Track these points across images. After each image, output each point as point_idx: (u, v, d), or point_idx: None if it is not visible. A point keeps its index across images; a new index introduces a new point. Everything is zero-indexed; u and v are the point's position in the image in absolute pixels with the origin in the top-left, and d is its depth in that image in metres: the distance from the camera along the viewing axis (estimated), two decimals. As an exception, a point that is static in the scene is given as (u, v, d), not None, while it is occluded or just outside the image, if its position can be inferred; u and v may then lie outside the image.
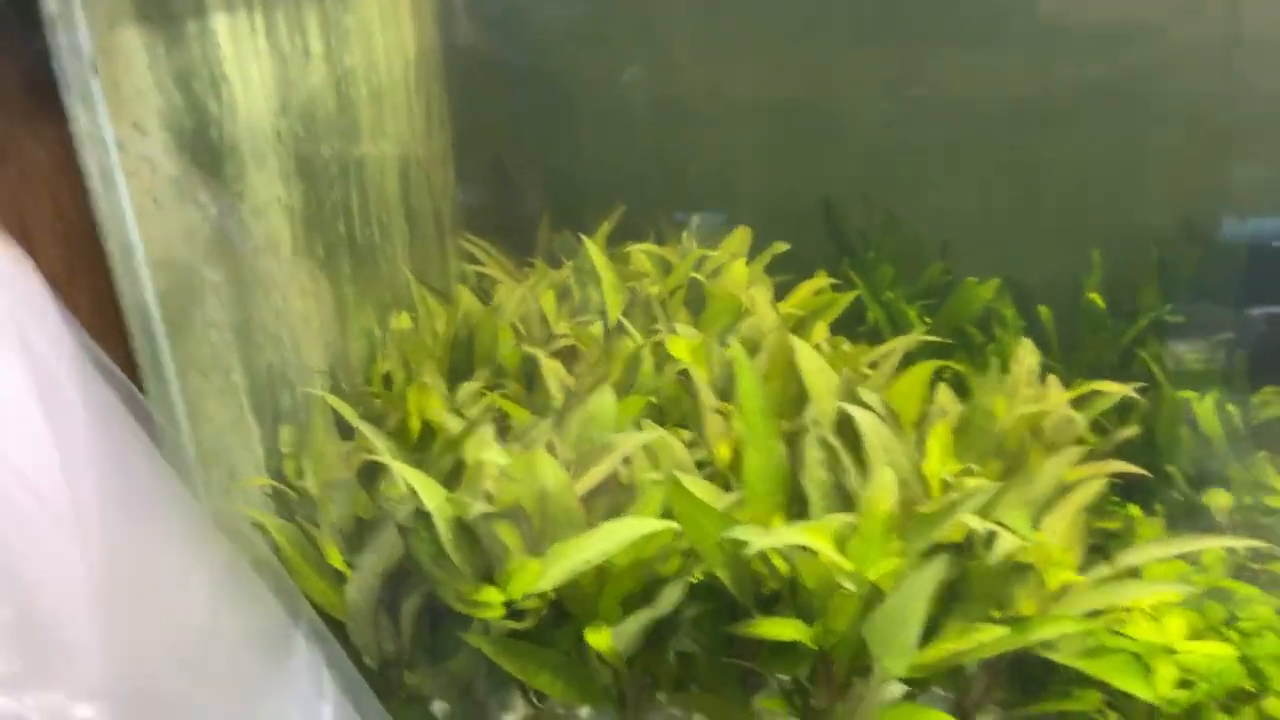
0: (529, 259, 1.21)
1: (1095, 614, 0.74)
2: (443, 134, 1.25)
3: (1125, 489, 0.99)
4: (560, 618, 0.78)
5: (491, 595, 0.72)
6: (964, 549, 0.71)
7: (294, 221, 0.84)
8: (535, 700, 0.84)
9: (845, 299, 1.11)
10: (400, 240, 1.03)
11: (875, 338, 1.13)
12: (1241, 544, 0.74)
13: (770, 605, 0.75)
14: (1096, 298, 1.15)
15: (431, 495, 0.69)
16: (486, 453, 0.71)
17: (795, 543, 0.67)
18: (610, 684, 0.80)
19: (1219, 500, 0.84)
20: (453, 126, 1.28)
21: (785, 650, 0.73)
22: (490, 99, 1.32)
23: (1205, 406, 1.01)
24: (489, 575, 0.73)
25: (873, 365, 0.94)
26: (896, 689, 0.80)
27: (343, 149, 0.94)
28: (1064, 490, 0.78)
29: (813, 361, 0.83)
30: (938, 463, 0.80)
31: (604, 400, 0.79)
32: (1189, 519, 0.91)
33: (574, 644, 0.77)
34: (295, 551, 0.73)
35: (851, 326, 1.14)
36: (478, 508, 0.69)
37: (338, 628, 0.75)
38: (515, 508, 0.71)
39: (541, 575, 0.72)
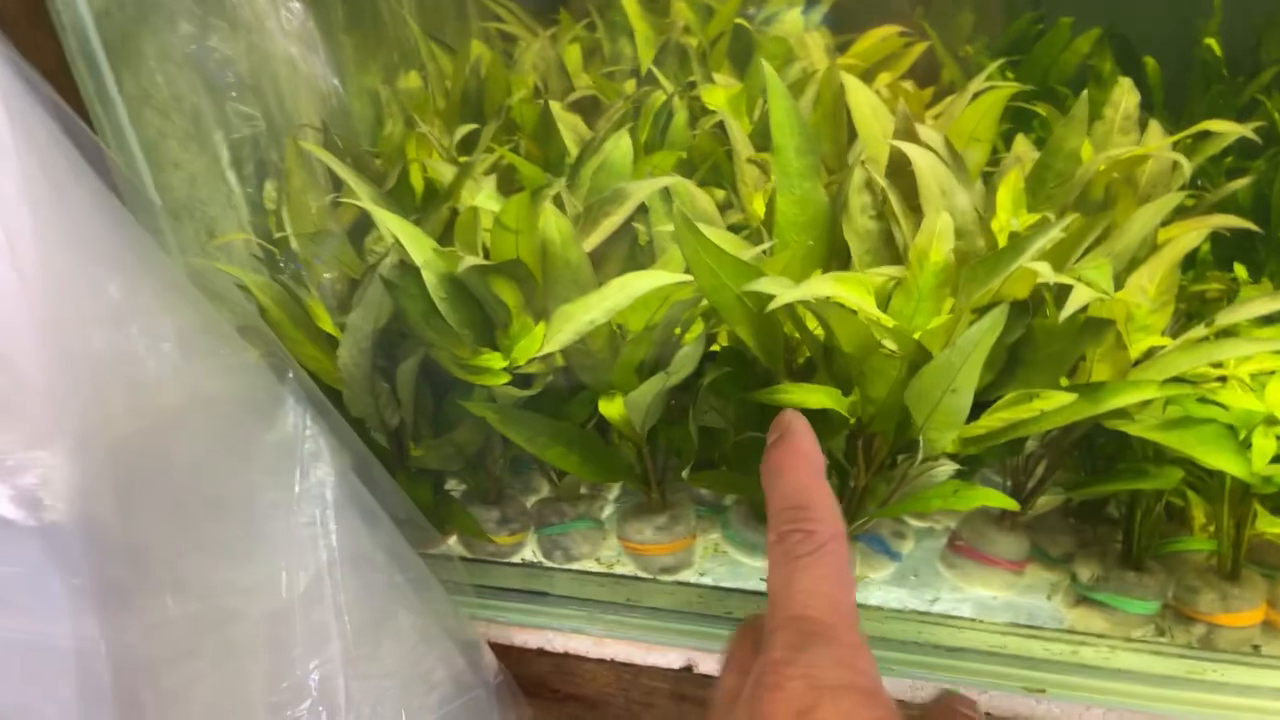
0: (557, 18, 1.08)
1: (1183, 381, 0.64)
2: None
3: (1234, 255, 0.86)
4: (575, 388, 0.72)
5: (493, 360, 0.66)
6: (1029, 307, 0.61)
7: (272, -46, 0.74)
8: (555, 478, 0.79)
9: (915, 50, 0.97)
10: (405, -11, 0.92)
11: (950, 98, 0.99)
12: None
13: (805, 375, 0.68)
14: (1214, 43, 0.97)
15: (418, 246, 0.62)
16: (479, 199, 0.63)
17: (827, 295, 0.58)
18: (634, 461, 0.75)
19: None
20: None
21: (818, 423, 0.65)
22: None
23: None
24: (490, 338, 0.67)
25: (937, 117, 0.81)
26: (945, 468, 0.73)
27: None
28: (1156, 246, 0.67)
29: (865, 98, 0.71)
30: (1007, 214, 0.69)
31: (620, 147, 0.69)
32: (1305, 288, 0.79)
33: (589, 416, 0.71)
34: (283, 313, 0.67)
35: (924, 86, 1.00)
36: (469, 260, 0.61)
37: (336, 397, 0.70)
38: (514, 262, 0.64)
39: (546, 338, 0.65)
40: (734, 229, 0.72)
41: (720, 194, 0.77)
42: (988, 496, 0.62)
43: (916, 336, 0.59)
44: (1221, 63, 0.99)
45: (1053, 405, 0.59)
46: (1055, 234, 0.56)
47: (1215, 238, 0.85)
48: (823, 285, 0.58)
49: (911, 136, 0.67)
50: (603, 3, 1.05)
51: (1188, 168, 0.72)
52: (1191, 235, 0.66)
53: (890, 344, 0.59)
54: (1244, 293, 0.64)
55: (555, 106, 0.78)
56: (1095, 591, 0.71)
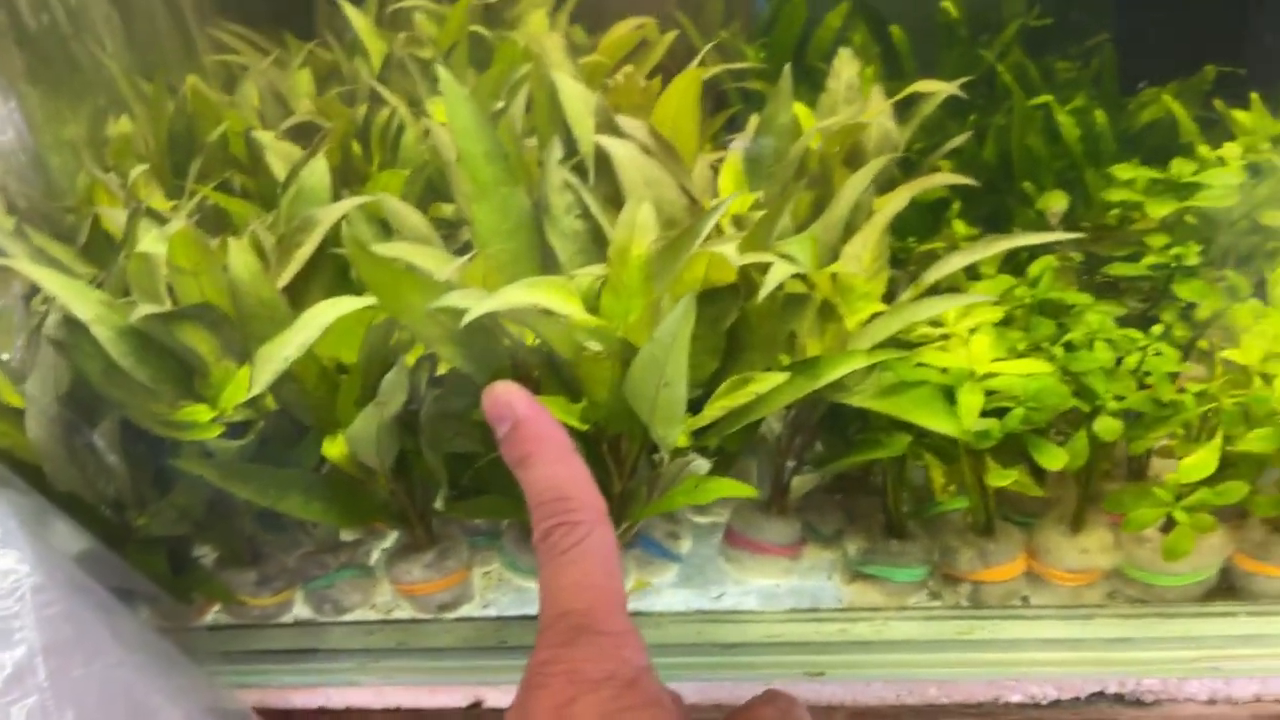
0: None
1: (905, 345, 0.64)
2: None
3: (985, 217, 0.88)
4: (304, 430, 0.67)
5: (197, 412, 0.61)
6: (739, 290, 0.60)
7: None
8: (311, 528, 0.74)
9: (665, 41, 0.96)
10: (110, 31, 0.86)
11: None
12: (1052, 238, 0.63)
13: (539, 386, 0.65)
14: (949, 5, 0.99)
15: (82, 301, 0.57)
16: (144, 243, 0.58)
17: (521, 303, 0.55)
18: (389, 499, 0.71)
19: (1053, 203, 0.72)
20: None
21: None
22: None
23: (1065, 116, 0.88)
24: (192, 389, 0.62)
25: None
26: (703, 462, 0.71)
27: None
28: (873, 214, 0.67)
29: (576, 95, 0.69)
30: (738, 198, 0.68)
31: (315, 172, 0.65)
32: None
33: (321, 458, 0.67)
34: (-43, 392, 0.61)
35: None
36: (142, 309, 0.57)
37: (39, 473, 0.64)
38: (202, 307, 0.59)
39: (251, 381, 0.60)
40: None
41: (449, 208, 0.74)
42: (725, 487, 0.61)
43: (619, 334, 0.57)
44: (960, 23, 1.01)
45: (767, 387, 0.58)
46: (729, 211, 0.55)
47: (968, 196, 0.87)
48: (518, 293, 0.55)
49: (612, 129, 0.65)
50: (342, 22, 1.01)
51: (898, 133, 0.72)
52: (899, 198, 0.66)
53: (595, 344, 0.57)
54: (961, 247, 0.64)
55: (265, 136, 0.74)
56: (865, 565, 0.70)
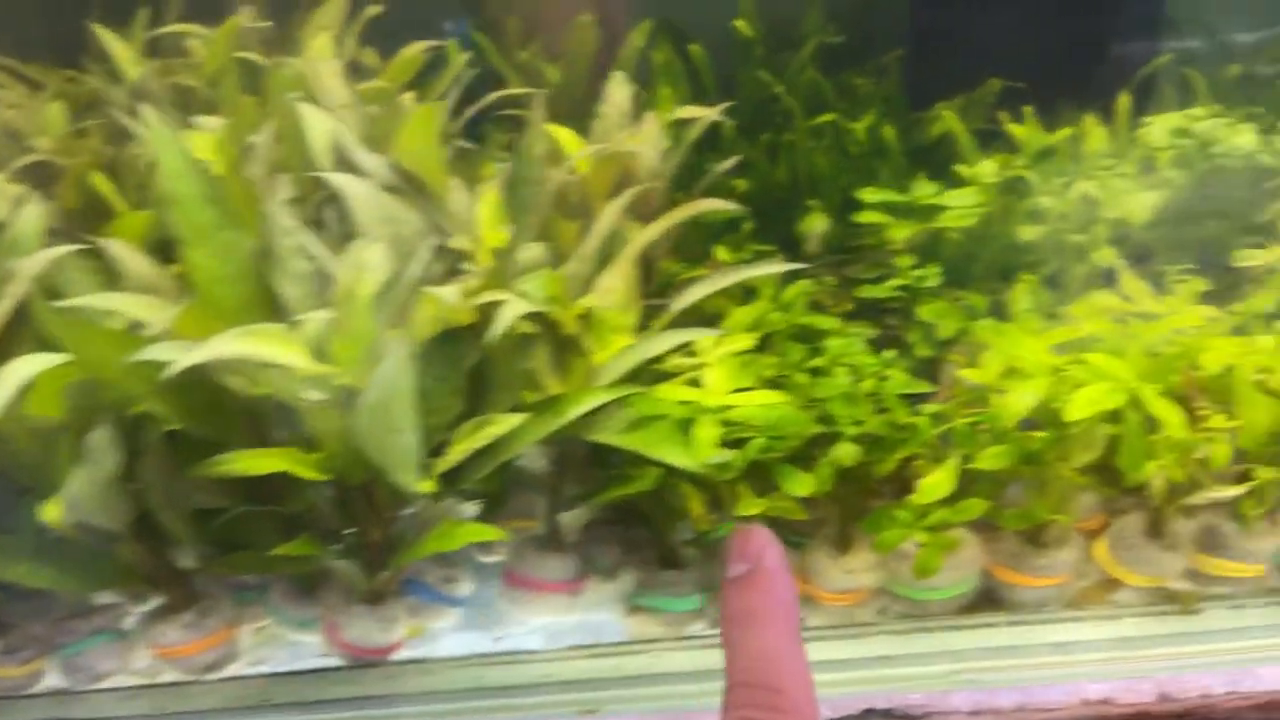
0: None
1: (662, 376, 0.63)
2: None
3: (783, 237, 0.89)
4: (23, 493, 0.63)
5: (-110, 485, 0.56)
6: (476, 330, 0.58)
7: None
8: (60, 594, 0.69)
9: (457, 64, 0.94)
10: None
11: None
12: (783, 267, 0.63)
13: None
14: (742, 25, 1.00)
15: None
16: None
17: (231, 353, 0.52)
18: (134, 560, 0.66)
19: (813, 225, 0.73)
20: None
21: (294, 486, 0.60)
22: None
23: (858, 128, 0.90)
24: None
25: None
26: (468, 506, 0.70)
27: None
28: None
29: (321, 128, 0.66)
30: (490, 230, 0.66)
31: (26, 218, 0.61)
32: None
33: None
34: None
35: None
36: None
37: None
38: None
39: (-51, 449, 0.56)
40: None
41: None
42: (473, 532, 0.59)
43: (340, 382, 0.54)
44: (755, 42, 1.02)
45: (505, 428, 0.56)
46: (489, 244, 0.53)
47: (765, 216, 0.87)
48: (227, 343, 0.52)
49: (349, 165, 0.62)
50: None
51: (654, 154, 0.72)
52: (654, 229, 0.65)
53: (315, 393, 0.54)
54: (700, 278, 0.63)
55: (-10, 177, 0.68)
56: (640, 598, 0.69)
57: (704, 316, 0.72)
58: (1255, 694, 0.65)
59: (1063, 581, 0.67)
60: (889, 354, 0.60)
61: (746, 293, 0.73)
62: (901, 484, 0.70)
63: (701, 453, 0.56)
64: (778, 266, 0.62)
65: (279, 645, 0.72)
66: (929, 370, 0.69)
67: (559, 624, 0.72)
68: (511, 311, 0.55)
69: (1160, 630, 0.66)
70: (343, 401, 0.55)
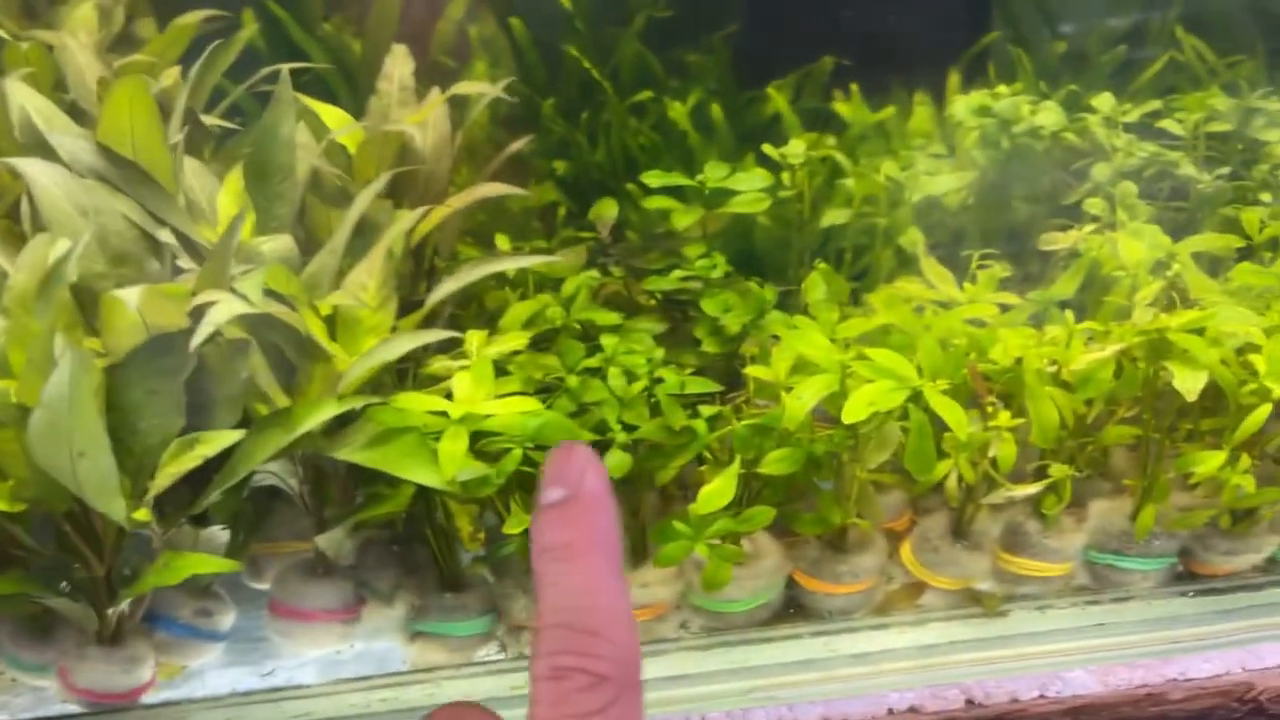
0: None
1: (428, 382, 0.57)
2: None
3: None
4: None
5: None
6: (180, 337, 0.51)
7: None
8: None
9: (239, 39, 0.85)
10: None
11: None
12: (536, 261, 0.58)
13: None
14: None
15: None
16: None
17: None
18: None
19: (602, 211, 0.67)
20: None
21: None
22: None
23: (678, 109, 0.85)
24: None
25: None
26: (215, 531, 0.62)
27: None
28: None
29: (27, 101, 0.57)
30: (229, 217, 0.58)
31: None
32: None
33: None
34: None
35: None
36: None
37: None
38: None
39: None
40: None
41: None
42: (196, 563, 0.52)
43: (12, 400, 0.46)
44: (577, 15, 0.96)
45: (215, 447, 0.49)
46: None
47: (582, 199, 0.81)
48: None
49: (42, 147, 0.54)
50: None
51: (437, 135, 0.65)
52: (412, 216, 0.58)
53: (-19, 415, 0.46)
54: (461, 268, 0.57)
55: None
56: (419, 623, 0.63)
57: (488, 314, 0.66)
58: (1063, 698, 0.63)
59: (867, 587, 0.63)
60: (658, 353, 0.55)
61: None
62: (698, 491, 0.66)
63: (448, 468, 0.50)
64: (535, 259, 0.56)
65: (16, 692, 0.64)
66: (730, 369, 0.64)
67: (338, 654, 0.65)
68: (219, 314, 0.48)
69: (966, 635, 0.63)
70: (20, 421, 0.47)
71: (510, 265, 0.56)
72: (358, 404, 0.51)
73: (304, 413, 0.51)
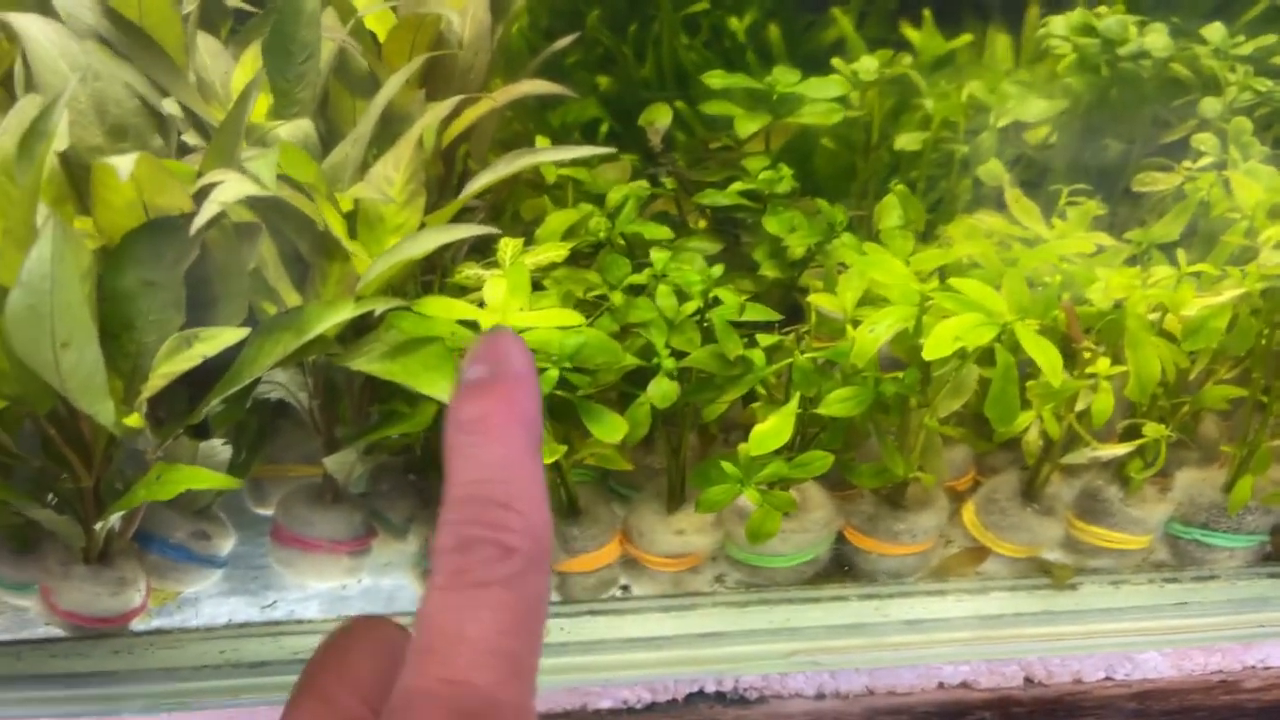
0: None
1: (457, 290, 0.51)
2: None
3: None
4: None
5: None
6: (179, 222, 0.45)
7: None
8: None
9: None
10: None
11: None
12: (585, 152, 0.52)
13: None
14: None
15: None
16: None
17: None
18: None
19: (655, 117, 0.61)
20: None
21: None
22: None
23: (735, 23, 0.78)
24: None
25: None
26: (216, 445, 0.57)
27: None
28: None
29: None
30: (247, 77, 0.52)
31: None
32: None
33: None
34: None
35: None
36: None
37: None
38: None
39: None
40: None
41: None
42: (194, 478, 0.47)
43: (-9, 279, 0.41)
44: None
45: (216, 346, 0.44)
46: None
47: (622, 118, 0.75)
48: None
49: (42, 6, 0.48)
50: None
51: (475, 24, 0.59)
52: (445, 105, 0.52)
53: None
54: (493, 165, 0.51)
55: None
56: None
57: (524, 225, 0.60)
58: (1131, 681, 0.58)
59: (925, 549, 0.58)
60: (716, 270, 0.49)
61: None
62: (748, 431, 0.60)
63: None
64: (580, 151, 0.50)
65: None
66: (789, 301, 0.58)
67: (344, 589, 0.60)
68: (226, 193, 0.42)
69: (1031, 607, 0.57)
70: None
71: (552, 157, 0.50)
72: (378, 306, 0.46)
73: (317, 314, 0.45)
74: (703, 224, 0.63)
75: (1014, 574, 0.58)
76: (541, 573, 0.25)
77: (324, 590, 0.61)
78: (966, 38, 0.76)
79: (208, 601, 0.61)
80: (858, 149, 0.65)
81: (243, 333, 0.44)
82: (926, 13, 0.80)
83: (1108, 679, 0.57)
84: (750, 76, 0.70)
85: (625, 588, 0.60)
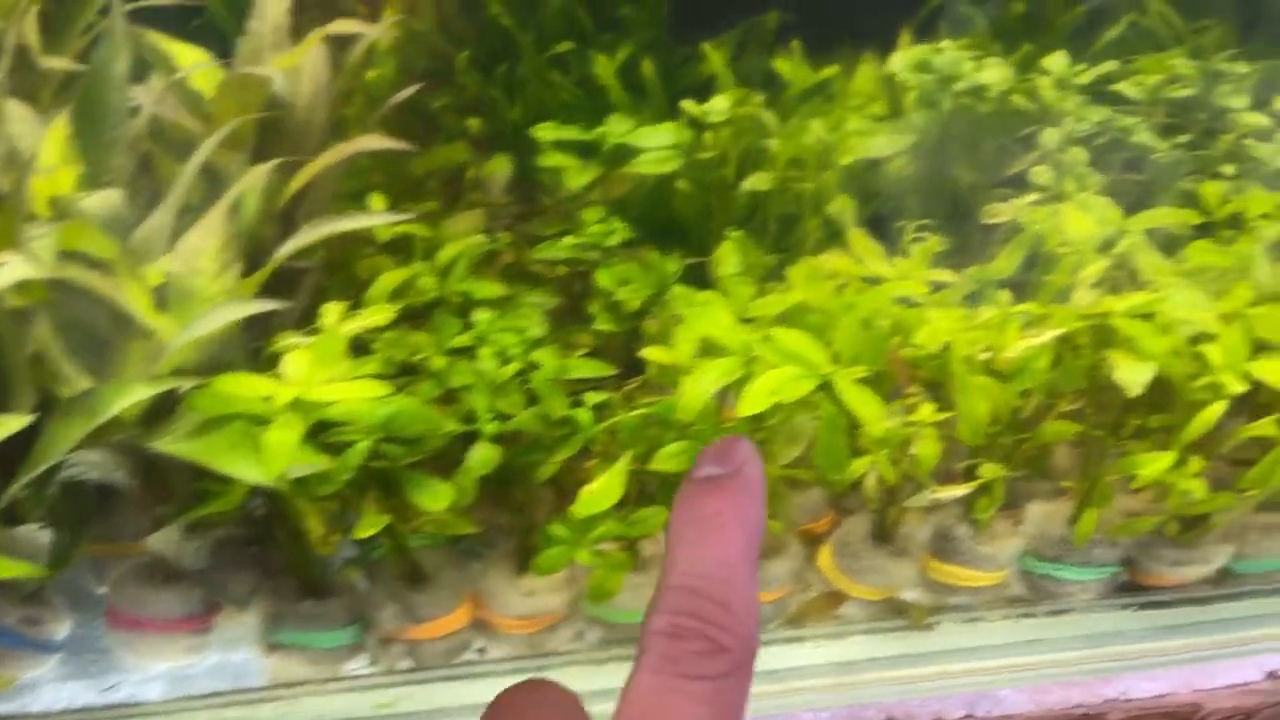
0: None
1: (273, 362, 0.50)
2: None
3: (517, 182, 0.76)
4: None
5: None
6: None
7: None
8: None
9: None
10: None
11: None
12: (370, 222, 0.50)
13: None
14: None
15: None
16: None
17: None
18: None
19: (495, 168, 0.60)
20: None
21: None
22: None
23: (602, 62, 0.77)
24: None
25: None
26: (33, 530, 0.55)
27: None
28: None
29: None
30: (56, 172, 0.50)
31: None
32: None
33: None
34: None
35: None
36: None
37: None
38: None
39: None
40: None
41: None
42: (-10, 571, 0.45)
43: None
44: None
45: (2, 433, 0.42)
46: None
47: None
48: None
49: None
50: None
51: (313, 83, 0.57)
52: (258, 172, 0.51)
53: None
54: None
55: None
56: (276, 633, 0.56)
57: (360, 284, 0.59)
58: (994, 719, 0.57)
59: (780, 596, 0.57)
60: (535, 331, 0.48)
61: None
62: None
63: (275, 462, 0.42)
64: (387, 218, 0.49)
65: None
66: (633, 351, 0.57)
67: (187, 668, 0.58)
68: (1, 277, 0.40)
69: (889, 650, 0.57)
70: None
71: (360, 224, 0.48)
72: (173, 386, 0.44)
73: (110, 396, 0.43)
74: (556, 274, 0.62)
75: (871, 616, 0.58)
76: (746, 678, 0.25)
77: (166, 670, 0.58)
78: (834, 69, 0.76)
79: (46, 686, 0.58)
80: (713, 190, 0.65)
81: (23, 420, 0.42)
82: (796, 43, 0.81)
83: (969, 717, 0.57)
84: (624, 115, 0.69)
85: (482, 650, 0.58)
